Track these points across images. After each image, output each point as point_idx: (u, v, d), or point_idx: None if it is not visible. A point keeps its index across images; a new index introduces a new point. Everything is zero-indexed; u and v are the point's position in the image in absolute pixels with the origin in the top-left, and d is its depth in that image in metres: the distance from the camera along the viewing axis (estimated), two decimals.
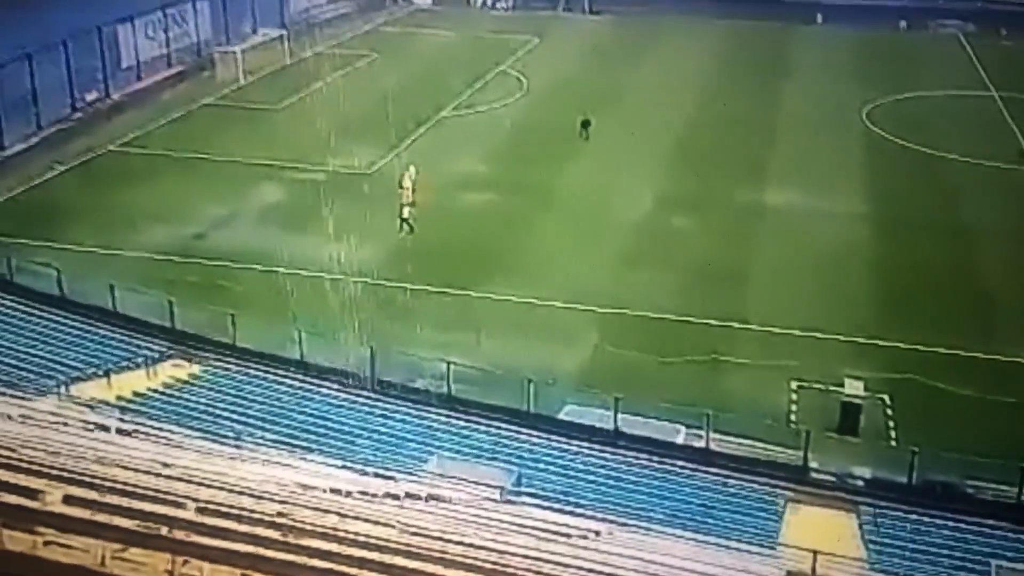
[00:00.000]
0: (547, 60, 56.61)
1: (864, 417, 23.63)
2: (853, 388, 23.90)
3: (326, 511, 12.49)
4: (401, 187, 34.13)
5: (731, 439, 22.46)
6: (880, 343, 27.19)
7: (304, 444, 20.49)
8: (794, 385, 25.15)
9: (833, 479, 21.79)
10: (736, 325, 27.92)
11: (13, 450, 11.55)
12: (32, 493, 9.35)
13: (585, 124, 43.92)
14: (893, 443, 23.33)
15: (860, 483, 21.76)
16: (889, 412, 24.35)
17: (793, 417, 24.12)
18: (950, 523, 19.86)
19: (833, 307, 29.00)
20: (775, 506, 20.45)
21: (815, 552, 16.78)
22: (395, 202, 33.74)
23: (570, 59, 56.84)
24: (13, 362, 23.64)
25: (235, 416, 22.32)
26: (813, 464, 21.95)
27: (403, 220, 33.40)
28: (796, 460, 22.01)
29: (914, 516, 20.18)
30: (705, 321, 28.12)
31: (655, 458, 22.05)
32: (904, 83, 50.33)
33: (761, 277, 31.22)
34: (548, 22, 66.31)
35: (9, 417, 15.90)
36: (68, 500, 9.27)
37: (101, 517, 8.79)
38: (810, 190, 37.69)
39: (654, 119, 45.95)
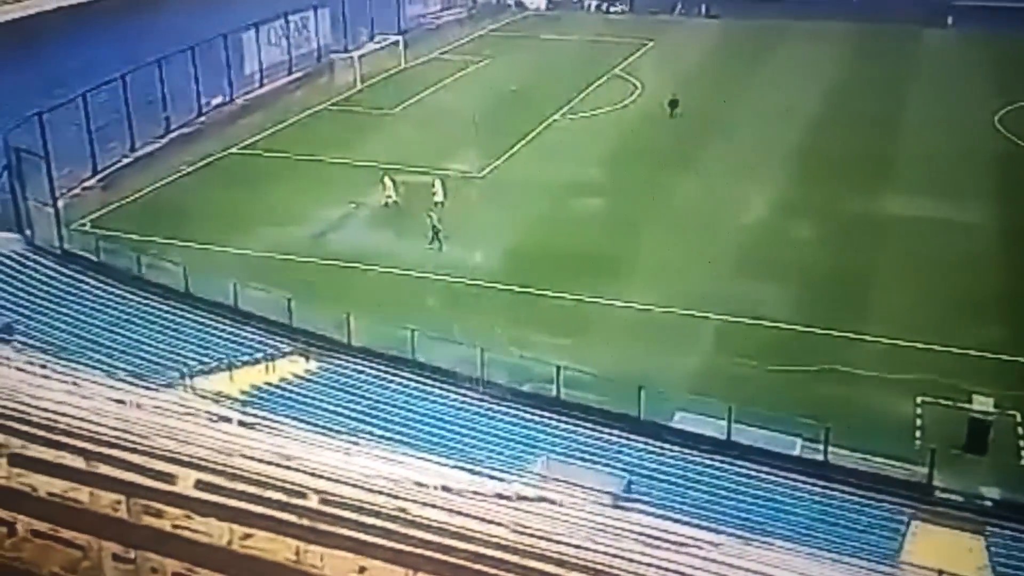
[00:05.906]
0: (662, 63, 56.07)
1: (993, 435, 22.55)
2: (982, 404, 22.85)
3: (439, 507, 12.57)
4: (434, 200, 34.29)
5: (852, 453, 21.73)
6: (1011, 358, 25.92)
7: (415, 442, 20.72)
8: (919, 400, 24.18)
9: (960, 499, 20.87)
10: (858, 336, 27.02)
11: (146, 437, 12.03)
12: (166, 477, 9.72)
13: (673, 104, 44.30)
14: None
15: (988, 504, 20.79)
16: (1020, 431, 23.18)
17: (918, 433, 23.19)
18: None
19: (961, 320, 27.80)
20: (898, 524, 19.70)
21: (940, 572, 16.12)
22: (436, 213, 33.31)
23: (686, 62, 56.14)
24: (142, 355, 24.68)
25: (349, 412, 22.77)
26: (939, 483, 21.06)
27: (435, 232, 32.52)
28: (921, 478, 21.17)
29: None
30: (826, 331, 27.29)
31: (771, 470, 21.49)
32: None
33: (885, 287, 30.11)
34: (663, 25, 65.74)
35: (139, 406, 16.54)
36: (199, 485, 9.60)
37: (230, 503, 9.08)
38: (938, 197, 36.21)
39: (774, 123, 44.93)
